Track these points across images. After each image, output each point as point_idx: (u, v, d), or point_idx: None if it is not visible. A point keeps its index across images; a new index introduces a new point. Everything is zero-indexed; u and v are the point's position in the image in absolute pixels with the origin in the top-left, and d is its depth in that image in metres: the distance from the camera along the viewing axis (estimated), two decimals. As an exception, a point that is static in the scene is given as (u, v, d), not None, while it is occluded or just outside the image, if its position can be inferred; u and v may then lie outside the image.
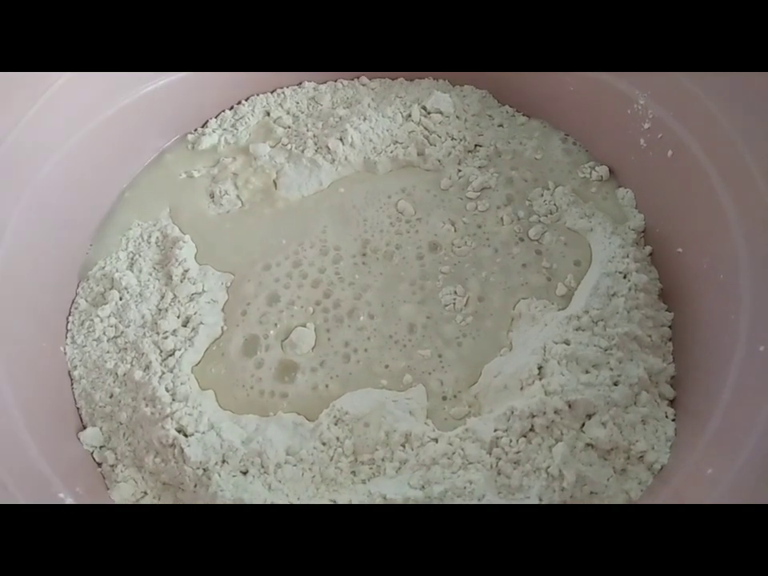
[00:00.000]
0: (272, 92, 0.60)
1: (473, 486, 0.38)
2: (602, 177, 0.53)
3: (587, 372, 0.41)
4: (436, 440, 0.41)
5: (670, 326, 0.45)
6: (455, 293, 0.48)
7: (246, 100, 0.60)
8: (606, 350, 0.42)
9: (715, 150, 0.43)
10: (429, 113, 0.56)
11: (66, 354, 0.48)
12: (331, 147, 0.54)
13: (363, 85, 0.60)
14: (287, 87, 0.60)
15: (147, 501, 0.42)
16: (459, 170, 0.54)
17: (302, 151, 0.55)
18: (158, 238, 0.52)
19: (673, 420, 0.41)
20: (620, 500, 0.38)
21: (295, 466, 0.41)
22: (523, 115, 0.58)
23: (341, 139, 0.54)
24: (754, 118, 0.40)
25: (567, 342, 0.42)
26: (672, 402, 0.43)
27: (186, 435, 0.42)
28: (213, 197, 0.54)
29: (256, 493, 0.40)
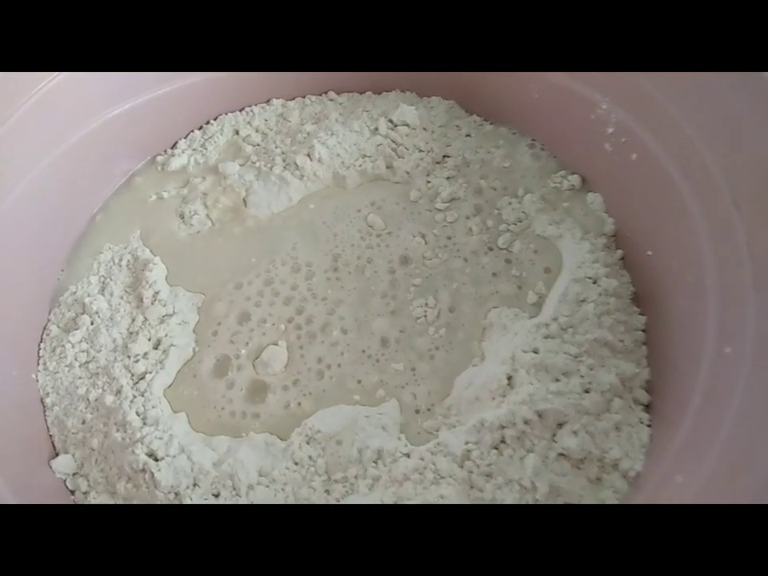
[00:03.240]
0: (240, 110, 0.60)
1: (444, 500, 0.38)
2: (573, 186, 0.52)
3: (557, 380, 0.40)
4: (408, 455, 0.41)
5: (644, 330, 0.45)
6: (426, 304, 0.48)
7: (215, 119, 0.60)
8: (575, 357, 0.41)
9: (676, 151, 0.43)
10: (395, 125, 0.55)
11: (38, 381, 0.47)
12: (299, 163, 0.54)
13: (331, 100, 0.60)
14: (256, 105, 0.60)
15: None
16: (428, 182, 0.54)
17: (271, 168, 0.55)
18: (128, 260, 0.52)
19: (648, 425, 0.41)
20: (595, 509, 0.38)
21: (267, 487, 0.41)
22: (490, 123, 0.57)
23: (308, 155, 0.54)
24: (711, 117, 0.40)
25: (536, 351, 0.42)
26: (648, 407, 0.42)
27: (156, 459, 0.41)
28: (183, 217, 0.54)
29: (228, 516, 0.39)
